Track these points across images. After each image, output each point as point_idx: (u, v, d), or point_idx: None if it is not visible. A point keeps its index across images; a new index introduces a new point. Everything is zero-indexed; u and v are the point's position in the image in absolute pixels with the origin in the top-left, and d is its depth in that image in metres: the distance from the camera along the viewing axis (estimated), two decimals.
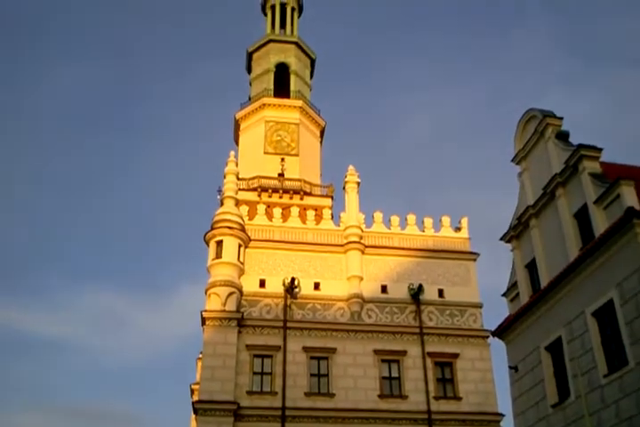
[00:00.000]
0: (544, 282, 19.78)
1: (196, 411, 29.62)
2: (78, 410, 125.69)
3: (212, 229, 33.27)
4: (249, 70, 57.75)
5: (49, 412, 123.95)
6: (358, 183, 36.81)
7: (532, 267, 21.15)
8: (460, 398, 31.04)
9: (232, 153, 37.07)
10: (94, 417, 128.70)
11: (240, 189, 39.88)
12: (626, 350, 15.51)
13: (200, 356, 34.68)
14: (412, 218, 36.37)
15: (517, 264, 22.05)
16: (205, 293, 32.25)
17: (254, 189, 44.54)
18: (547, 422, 18.02)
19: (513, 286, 22.29)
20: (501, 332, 21.85)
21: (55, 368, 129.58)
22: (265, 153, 48.14)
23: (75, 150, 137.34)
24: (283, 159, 47.60)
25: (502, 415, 30.62)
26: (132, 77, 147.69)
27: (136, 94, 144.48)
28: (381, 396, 30.70)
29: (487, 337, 32.35)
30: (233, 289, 31.82)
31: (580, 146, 18.76)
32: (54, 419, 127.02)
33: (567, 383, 17.68)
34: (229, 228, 32.90)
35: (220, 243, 32.73)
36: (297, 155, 48.54)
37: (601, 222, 17.33)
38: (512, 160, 22.87)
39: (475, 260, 35.83)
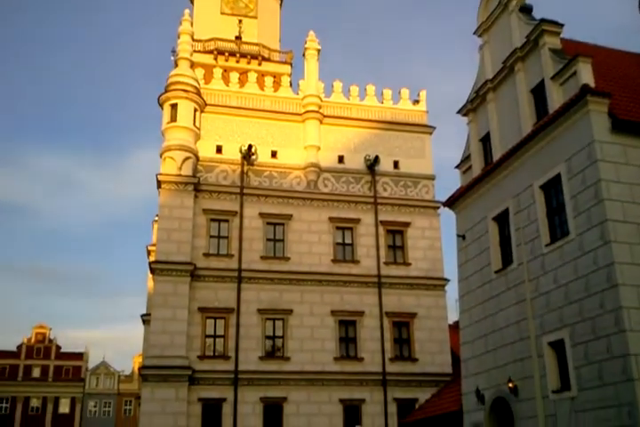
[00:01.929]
0: (496, 155, 20.25)
1: (152, 271, 30.56)
2: (36, 270, 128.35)
3: (166, 91, 32.28)
4: None
5: (5, 272, 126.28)
6: (319, 50, 35.71)
7: (486, 140, 21.53)
8: (409, 264, 32.76)
9: (187, 11, 35.10)
10: (52, 277, 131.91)
11: (195, 51, 38.30)
12: (568, 222, 16.36)
13: (156, 219, 35.10)
14: (371, 89, 35.93)
15: (472, 137, 22.37)
16: (160, 156, 31.97)
17: (210, 52, 42.67)
18: (489, 287, 19.33)
19: (466, 158, 22.76)
20: (452, 202, 22.63)
21: (9, 231, 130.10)
22: (222, 13, 45.60)
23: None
24: (240, 21, 45.30)
25: (447, 280, 32.67)
26: None
27: None
28: (335, 260, 32.12)
29: (438, 208, 33.57)
30: (189, 154, 31.61)
31: (543, 20, 18.44)
32: (10, 279, 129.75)
33: (511, 252, 18.75)
34: (184, 91, 31.99)
35: (174, 106, 31.95)
36: (255, 17, 46.17)
37: (556, 98, 17.47)
38: (474, 33, 22.39)
39: (431, 133, 36.14)
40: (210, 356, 29.34)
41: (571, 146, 16.63)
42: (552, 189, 17.46)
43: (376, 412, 29.46)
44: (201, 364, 28.87)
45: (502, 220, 19.67)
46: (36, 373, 67.31)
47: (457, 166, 23.42)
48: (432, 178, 35.01)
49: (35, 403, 66.29)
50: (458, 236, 21.60)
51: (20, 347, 68.16)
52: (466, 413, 19.87)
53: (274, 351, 30.22)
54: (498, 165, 19.80)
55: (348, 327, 31.16)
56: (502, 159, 19.58)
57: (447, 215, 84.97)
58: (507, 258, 19.02)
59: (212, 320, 30.05)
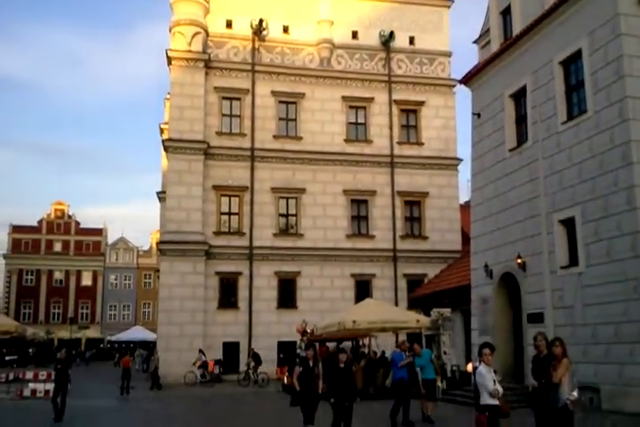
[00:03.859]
0: (517, 29, 19.38)
1: (166, 149, 30.69)
2: (51, 149, 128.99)
3: None
4: None
5: (21, 151, 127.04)
6: None
7: (506, 13, 20.52)
8: (422, 144, 32.63)
9: None
10: (68, 156, 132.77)
11: None
12: (586, 99, 16.00)
13: (168, 96, 34.67)
14: None
15: (492, 10, 21.30)
16: (170, 31, 31.00)
17: None
18: (503, 165, 19.31)
19: (485, 33, 21.84)
20: (469, 79, 22.01)
21: (24, 110, 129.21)
22: None
23: None
24: None
25: (460, 160, 32.68)
26: None
27: None
28: (347, 140, 32.01)
29: (453, 86, 32.80)
30: (198, 29, 30.57)
31: None
32: (27, 157, 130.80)
33: (526, 130, 18.52)
34: None
35: None
36: None
37: None
38: None
39: (449, 7, 34.52)
40: (225, 232, 30.23)
41: (594, 19, 15.85)
42: (572, 64, 16.89)
43: (386, 286, 30.75)
44: (217, 239, 29.82)
45: (519, 97, 19.24)
46: (58, 247, 69.88)
47: (475, 41, 22.54)
48: (448, 55, 33.88)
49: (58, 276, 69.45)
50: (473, 114, 21.24)
51: (40, 222, 70.22)
52: (474, 287, 20.67)
53: (287, 228, 31.04)
54: (517, 39, 19.02)
55: (359, 206, 31.73)
56: (522, 33, 18.77)
57: (462, 94, 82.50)
58: (521, 136, 18.83)
59: (227, 198, 30.63)
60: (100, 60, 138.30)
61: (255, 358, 26.64)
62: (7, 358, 40.63)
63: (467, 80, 22.20)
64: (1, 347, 44.12)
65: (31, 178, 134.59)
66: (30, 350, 47.96)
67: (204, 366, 26.65)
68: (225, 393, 22.59)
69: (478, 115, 21.01)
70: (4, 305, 70.36)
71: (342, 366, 10.60)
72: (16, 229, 70.04)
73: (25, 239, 69.64)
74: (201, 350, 26.73)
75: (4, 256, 69.41)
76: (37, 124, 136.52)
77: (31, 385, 20.53)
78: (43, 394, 20.04)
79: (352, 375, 10.98)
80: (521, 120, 19.09)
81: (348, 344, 23.18)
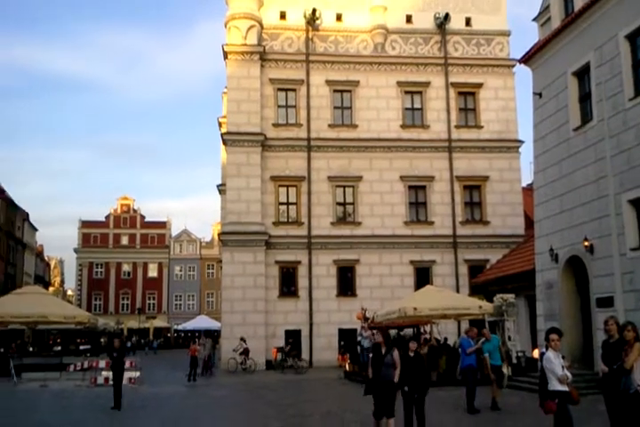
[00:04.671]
0: (578, 4, 18.61)
1: (225, 142, 31.13)
2: (113, 145, 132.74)
3: None
4: None
5: (85, 147, 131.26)
6: None
7: None
8: (480, 127, 31.93)
9: None
10: (130, 152, 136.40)
11: None
12: None
13: (225, 90, 35.14)
14: None
15: None
16: (225, 26, 31.31)
17: None
18: (567, 145, 18.65)
19: (545, 10, 21.09)
20: (529, 58, 21.31)
21: (88, 108, 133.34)
22: None
23: None
24: None
25: (522, 142, 31.80)
26: None
27: None
28: (404, 126, 31.64)
29: (512, 66, 31.92)
30: (253, 22, 30.76)
31: None
32: (92, 154, 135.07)
33: (590, 108, 17.80)
34: None
35: None
36: None
37: None
38: None
39: None
40: (284, 222, 30.45)
41: None
42: (638, 38, 16.13)
43: (447, 273, 30.38)
44: (276, 229, 30.08)
45: (582, 74, 18.52)
46: (125, 240, 72.28)
47: (534, 19, 21.79)
48: (507, 34, 32.97)
49: (126, 268, 71.83)
50: (534, 94, 20.57)
51: (107, 217, 72.84)
52: (539, 272, 20.14)
53: (345, 217, 31.01)
54: (579, 15, 18.26)
55: (417, 192, 31.38)
56: (584, 8, 18.01)
57: (521, 74, 79.75)
58: (586, 115, 18.12)
59: (285, 188, 30.82)
60: (159, 58, 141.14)
61: (244, 349, 26.89)
62: (81, 347, 42.26)
63: (527, 59, 21.52)
64: (75, 337, 45.91)
65: (97, 175, 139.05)
66: (102, 340, 49.75)
67: (245, 353, 27.08)
68: (287, 380, 22.86)
69: (540, 94, 20.34)
70: (76, 297, 73.20)
71: (412, 354, 10.15)
72: (85, 224, 72.79)
73: (94, 234, 72.31)
74: (242, 338, 27.21)
75: (75, 250, 72.22)
76: (102, 122, 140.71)
77: (104, 373, 21.21)
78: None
79: (423, 365, 10.43)
80: (585, 98, 18.37)
81: (409, 331, 23.02)
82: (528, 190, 28.59)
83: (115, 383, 15.08)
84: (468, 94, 32.33)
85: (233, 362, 26.85)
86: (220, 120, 38.80)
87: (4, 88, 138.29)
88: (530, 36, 22.64)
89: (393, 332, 22.72)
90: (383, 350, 9.65)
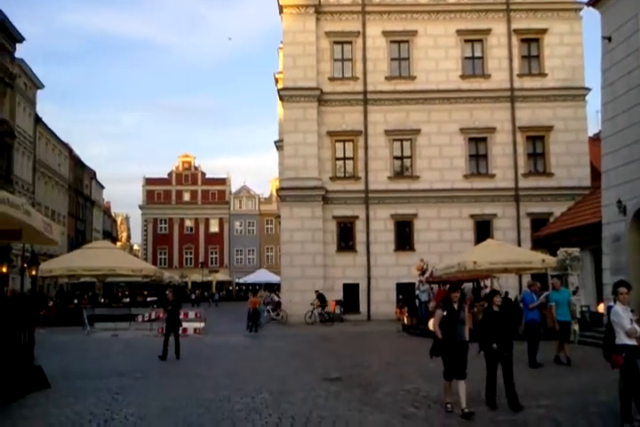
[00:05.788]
0: None
1: (281, 98, 30.95)
2: (174, 106, 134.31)
3: None
4: None
5: (140, 108, 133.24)
6: None
7: None
8: (545, 75, 30.65)
9: None
10: (189, 111, 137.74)
11: None
12: None
13: (281, 46, 34.74)
14: None
15: None
16: None
17: None
18: (637, 92, 17.71)
19: None
20: (597, 1, 20.17)
21: (147, 68, 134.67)
22: None
23: None
24: None
25: (589, 89, 30.43)
26: None
27: None
28: (463, 76, 30.71)
29: (580, 9, 30.30)
30: None
31: None
32: (154, 115, 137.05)
33: None
34: None
35: None
36: None
37: None
38: None
39: None
40: (341, 177, 30.36)
41: None
42: None
43: (508, 226, 29.83)
44: (333, 184, 30.03)
45: None
46: (187, 197, 74.08)
47: None
48: None
49: (188, 224, 73.75)
50: (603, 38, 19.49)
51: (170, 174, 74.58)
52: (605, 224, 19.50)
53: (402, 171, 30.66)
54: None
55: (478, 144, 30.64)
56: None
57: (589, 18, 75.41)
58: None
59: (341, 143, 30.60)
60: (214, 18, 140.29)
61: (320, 298, 27.41)
62: (148, 299, 43.86)
63: (595, 1, 20.34)
64: (142, 289, 47.70)
65: (158, 136, 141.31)
66: (167, 293, 51.35)
67: (277, 305, 29.77)
68: (346, 332, 23.21)
69: (609, 38, 19.26)
70: (142, 252, 75.73)
71: (496, 309, 9.08)
72: (149, 181, 74.75)
73: (157, 191, 74.22)
74: (274, 292, 27.78)
75: (140, 207, 74.44)
76: (162, 84, 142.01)
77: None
78: (180, 332, 21.40)
79: (509, 320, 9.32)
80: None
81: (469, 286, 22.87)
82: (595, 140, 27.48)
83: (166, 335, 15.18)
84: (531, 41, 30.96)
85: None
86: (277, 76, 38.47)
87: (63, 53, 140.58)
88: None
89: (469, 285, 22.43)
90: (456, 306, 8.81)
